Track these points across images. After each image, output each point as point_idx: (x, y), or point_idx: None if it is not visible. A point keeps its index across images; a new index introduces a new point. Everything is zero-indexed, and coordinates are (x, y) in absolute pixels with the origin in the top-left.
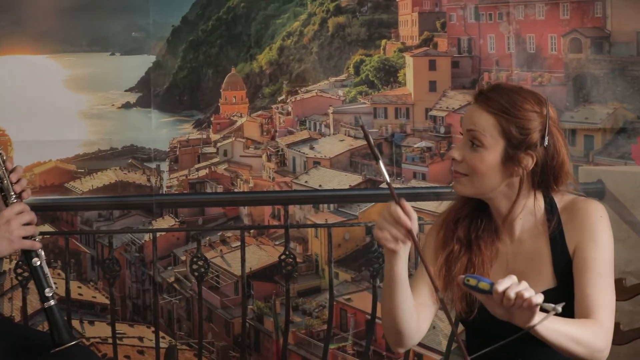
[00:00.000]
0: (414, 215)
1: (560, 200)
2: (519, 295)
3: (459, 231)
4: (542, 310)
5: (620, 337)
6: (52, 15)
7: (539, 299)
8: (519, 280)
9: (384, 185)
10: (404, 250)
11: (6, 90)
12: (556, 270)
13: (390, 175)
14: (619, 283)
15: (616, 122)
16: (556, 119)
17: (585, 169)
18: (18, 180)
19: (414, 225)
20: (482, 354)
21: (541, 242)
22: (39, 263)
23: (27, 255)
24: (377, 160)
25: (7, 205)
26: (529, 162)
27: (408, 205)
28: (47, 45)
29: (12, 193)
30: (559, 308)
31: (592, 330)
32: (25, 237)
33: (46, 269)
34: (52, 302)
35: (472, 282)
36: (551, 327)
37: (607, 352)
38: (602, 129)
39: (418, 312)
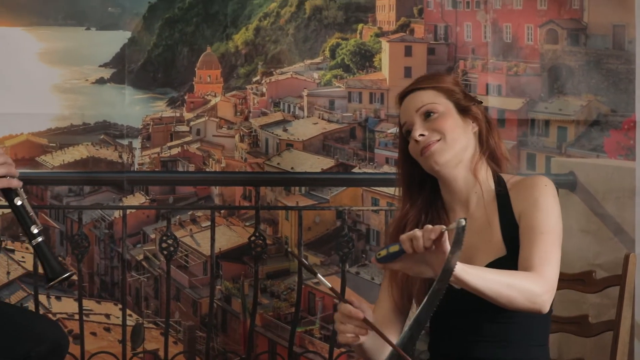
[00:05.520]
0: (364, 306)
1: (509, 179)
2: (425, 230)
3: None
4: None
5: (588, 329)
6: None
7: (442, 227)
8: (471, 254)
9: (356, 170)
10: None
11: None
12: (505, 239)
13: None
14: (588, 275)
15: (590, 115)
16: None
17: (558, 161)
18: None
19: (367, 314)
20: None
21: (491, 215)
22: (20, 202)
23: (7, 195)
24: (314, 274)
25: None
26: (478, 112)
27: (355, 301)
28: (22, 17)
29: None
30: (463, 221)
31: (527, 277)
32: (1, 177)
33: (29, 208)
34: (39, 239)
35: (383, 252)
36: (477, 274)
37: (547, 298)
38: (575, 121)
39: (385, 330)
